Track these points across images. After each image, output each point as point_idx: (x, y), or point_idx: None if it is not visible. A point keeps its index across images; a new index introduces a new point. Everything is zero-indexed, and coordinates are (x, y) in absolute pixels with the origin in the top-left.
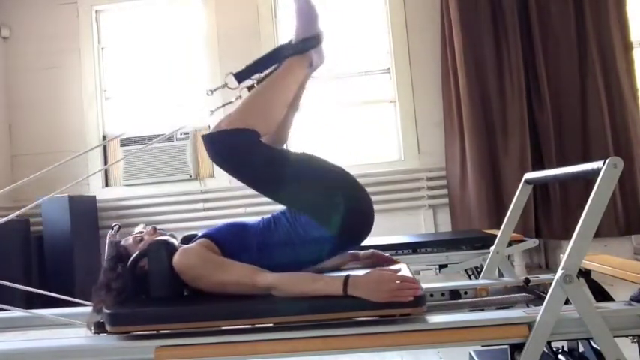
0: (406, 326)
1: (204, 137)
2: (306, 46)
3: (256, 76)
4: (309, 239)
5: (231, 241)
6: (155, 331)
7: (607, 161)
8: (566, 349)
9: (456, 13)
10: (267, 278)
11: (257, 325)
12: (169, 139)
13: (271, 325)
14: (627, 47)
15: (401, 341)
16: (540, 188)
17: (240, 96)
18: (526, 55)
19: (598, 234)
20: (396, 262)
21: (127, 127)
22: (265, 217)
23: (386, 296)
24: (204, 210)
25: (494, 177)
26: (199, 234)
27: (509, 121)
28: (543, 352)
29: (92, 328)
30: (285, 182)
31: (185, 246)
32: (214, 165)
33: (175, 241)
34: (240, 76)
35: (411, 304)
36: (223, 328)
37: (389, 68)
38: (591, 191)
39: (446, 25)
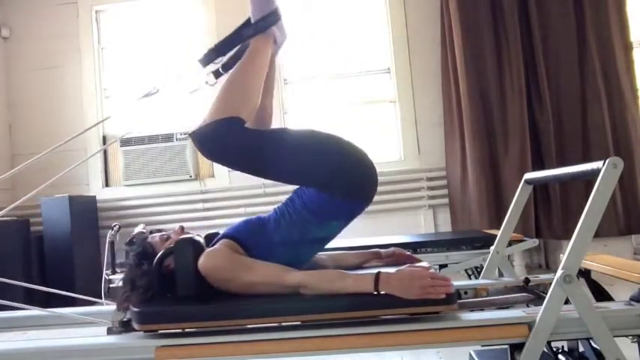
0: (407, 326)
1: (191, 135)
2: (266, 24)
3: (219, 59)
4: (321, 212)
5: (253, 239)
6: (181, 330)
7: (607, 161)
8: (566, 349)
9: (456, 13)
10: (295, 277)
11: (284, 324)
12: (170, 139)
13: (299, 323)
14: (627, 47)
15: (401, 341)
16: (540, 188)
17: (207, 82)
18: (526, 55)
19: (598, 234)
20: (418, 260)
21: (127, 127)
22: (278, 206)
23: (418, 293)
24: (204, 210)
25: (494, 177)
26: (220, 233)
27: (510, 121)
28: (543, 352)
29: (116, 326)
30: (278, 159)
31: (210, 249)
32: (214, 164)
33: (202, 240)
34: (203, 61)
35: (443, 301)
36: (249, 326)
37: (389, 68)
38: (591, 191)
39: (446, 25)
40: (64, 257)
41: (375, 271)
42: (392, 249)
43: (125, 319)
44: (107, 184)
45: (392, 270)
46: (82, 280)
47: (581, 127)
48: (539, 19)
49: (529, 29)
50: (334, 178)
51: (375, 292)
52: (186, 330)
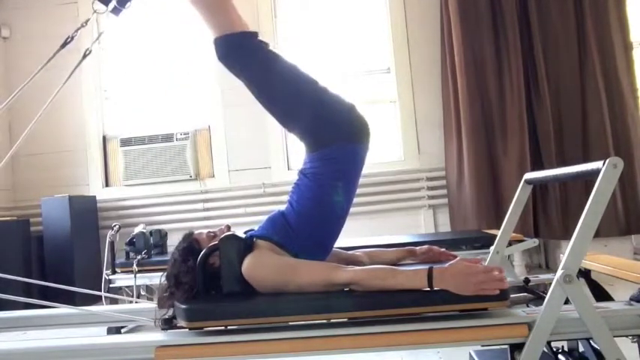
0: (404, 326)
1: (216, 41)
2: None
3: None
4: (329, 167)
5: (286, 236)
6: (224, 327)
7: (607, 161)
8: (566, 349)
9: (456, 13)
10: (345, 274)
11: (333, 321)
12: (169, 139)
13: (346, 320)
14: (627, 47)
15: (400, 341)
16: (540, 188)
17: (95, 10)
18: (526, 55)
19: (598, 234)
20: (454, 257)
21: (127, 127)
22: (289, 197)
23: (473, 289)
24: (204, 210)
25: (493, 177)
26: (253, 230)
27: (509, 121)
28: (543, 352)
29: (160, 324)
30: (284, 89)
31: (252, 257)
32: (214, 165)
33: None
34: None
35: (496, 297)
36: (291, 323)
37: (389, 68)
38: (591, 191)
39: (446, 25)
40: (64, 257)
41: (427, 266)
42: (427, 246)
43: (168, 317)
44: (107, 184)
45: (445, 266)
46: (81, 280)
47: (581, 127)
48: (539, 19)
49: (529, 29)
50: (321, 129)
51: (429, 289)
52: (207, 329)
